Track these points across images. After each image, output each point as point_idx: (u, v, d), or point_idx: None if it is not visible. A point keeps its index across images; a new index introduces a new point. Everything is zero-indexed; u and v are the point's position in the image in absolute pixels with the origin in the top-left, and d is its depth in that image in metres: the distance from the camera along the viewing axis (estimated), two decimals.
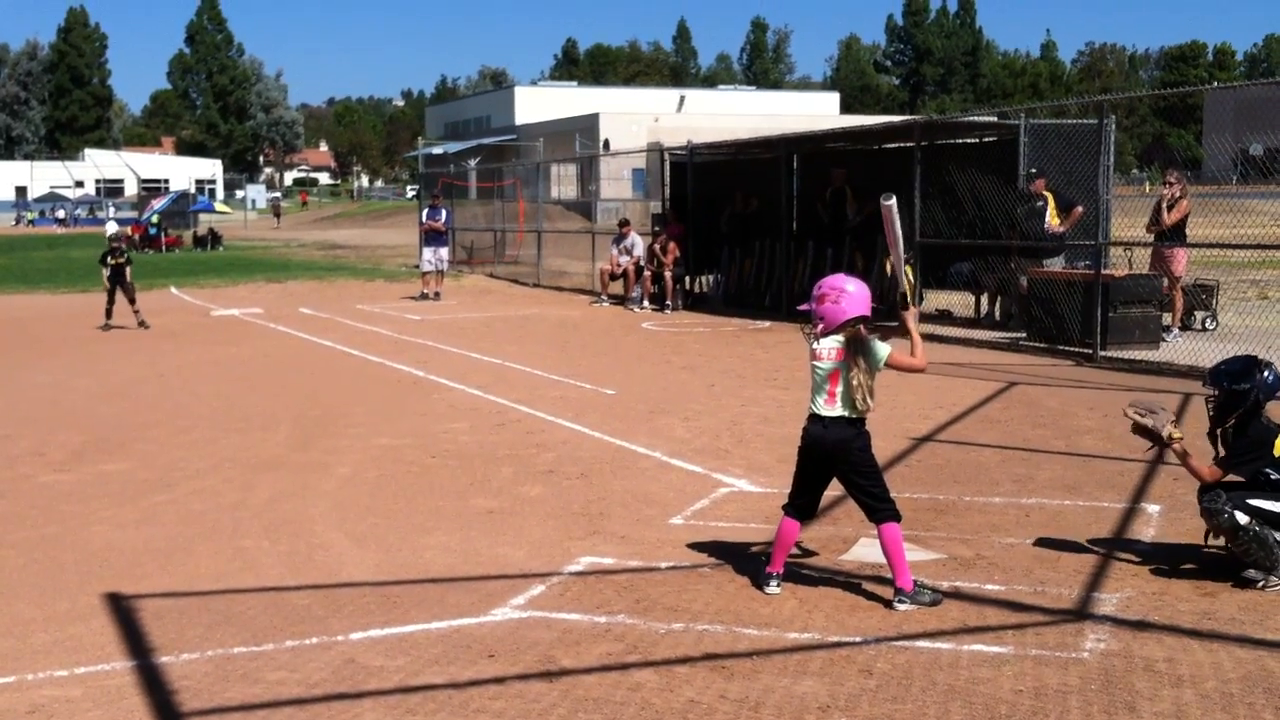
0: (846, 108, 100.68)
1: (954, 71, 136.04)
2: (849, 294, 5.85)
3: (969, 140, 19.32)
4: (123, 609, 5.90)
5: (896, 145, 20.16)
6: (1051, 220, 16.26)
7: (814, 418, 5.92)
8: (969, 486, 8.12)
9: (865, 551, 6.55)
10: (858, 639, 5.31)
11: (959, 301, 18.67)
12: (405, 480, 8.67)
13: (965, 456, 9.16)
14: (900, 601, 5.66)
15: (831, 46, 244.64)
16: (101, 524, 7.58)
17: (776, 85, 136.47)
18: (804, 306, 6.08)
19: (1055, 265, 16.06)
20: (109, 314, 19.16)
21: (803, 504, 6.06)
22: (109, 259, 19.20)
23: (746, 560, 6.50)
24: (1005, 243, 16.32)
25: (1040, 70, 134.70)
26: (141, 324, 19.07)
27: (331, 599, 6.04)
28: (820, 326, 5.90)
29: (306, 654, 5.24)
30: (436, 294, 24.39)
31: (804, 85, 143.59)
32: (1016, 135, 17.15)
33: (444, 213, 25.51)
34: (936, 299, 18.79)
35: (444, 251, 25.15)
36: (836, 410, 5.85)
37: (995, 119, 20.63)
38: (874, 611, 5.66)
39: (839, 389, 5.84)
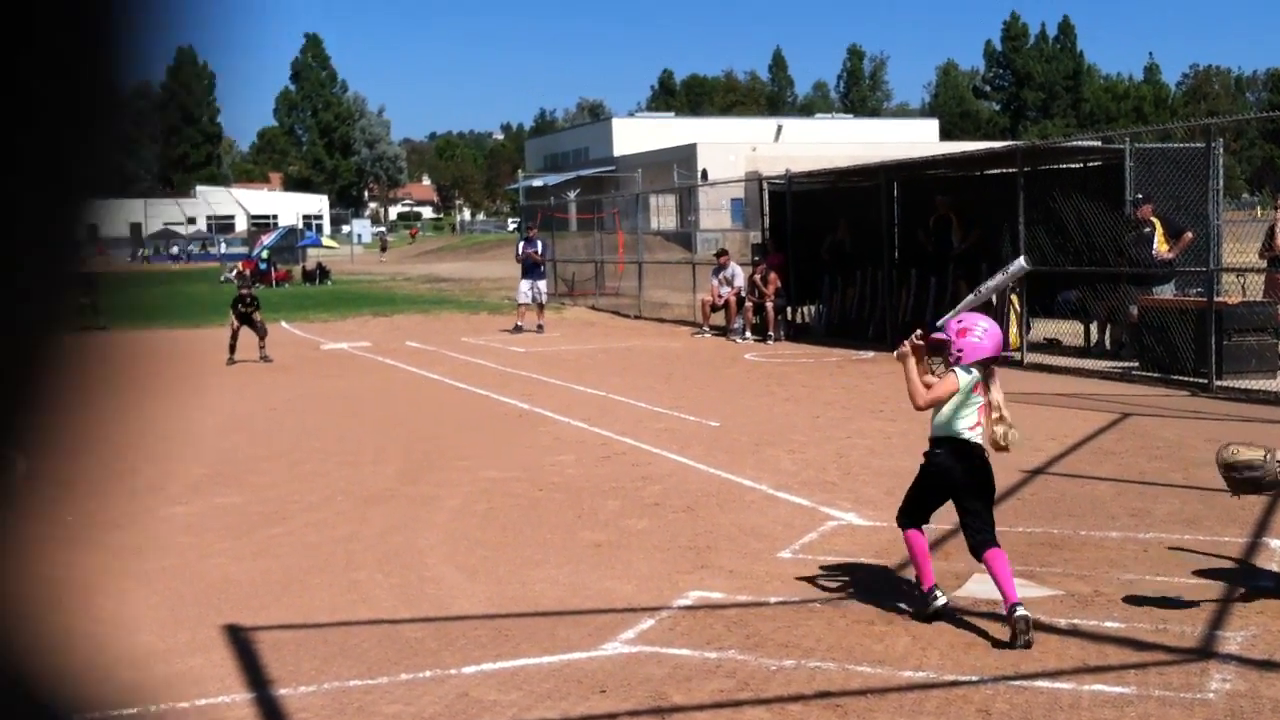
0: (946, 134, 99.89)
1: (1055, 96, 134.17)
2: (992, 332, 6.14)
3: (1073, 165, 19.05)
4: (241, 641, 6.02)
5: (999, 171, 19.95)
6: (1160, 247, 15.96)
7: (958, 445, 6.05)
8: (1084, 520, 7.97)
9: (979, 588, 6.46)
10: (974, 678, 5.23)
11: (1067, 330, 18.37)
12: (513, 513, 8.73)
13: (1080, 490, 9.00)
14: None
15: (929, 73, 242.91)
16: (219, 556, 7.74)
17: (874, 113, 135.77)
18: (939, 336, 6.20)
19: (1165, 293, 15.74)
20: (232, 350, 19.59)
21: (920, 519, 6.26)
22: (240, 306, 19.63)
23: (858, 595, 6.44)
24: (1113, 270, 16.05)
25: (1144, 94, 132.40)
26: (264, 358, 19.53)
27: (443, 632, 6.10)
28: (957, 359, 6.10)
29: (420, 687, 5.29)
30: (539, 326, 24.42)
31: (902, 112, 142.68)
32: (1122, 160, 16.87)
33: (539, 244, 25.59)
34: (1044, 328, 18.51)
35: (541, 284, 25.19)
36: (978, 438, 6.04)
37: (1100, 143, 20.32)
38: (990, 650, 5.58)
39: (982, 419, 6.03)
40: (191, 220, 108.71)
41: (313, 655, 5.76)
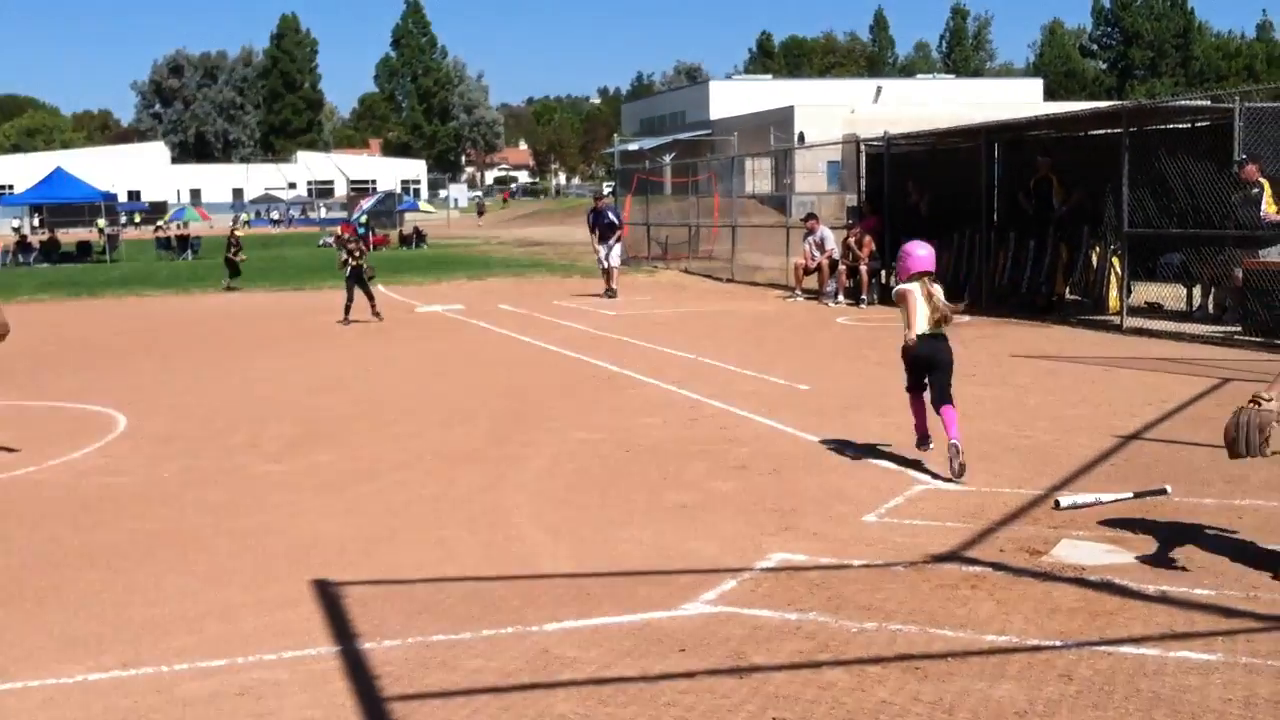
0: (1050, 94, 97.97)
1: (1164, 54, 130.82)
2: (925, 254, 8.84)
3: (1180, 125, 18.54)
4: (329, 595, 6.12)
5: (1103, 132, 19.50)
6: (1268, 208, 15.51)
7: (921, 337, 8.70)
8: (1179, 486, 7.80)
9: (1066, 552, 6.37)
10: (1058, 643, 5.16)
11: (1170, 294, 17.97)
12: (600, 474, 8.77)
13: (1175, 455, 8.82)
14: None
15: (1034, 32, 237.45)
16: (310, 513, 7.88)
17: (977, 73, 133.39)
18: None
19: (1272, 255, 15.30)
20: (348, 310, 20.09)
21: (920, 388, 8.87)
22: (348, 260, 20.07)
23: (942, 559, 6.38)
24: (1219, 232, 15.64)
25: (1256, 51, 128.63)
26: (376, 314, 20.16)
27: (527, 589, 6.15)
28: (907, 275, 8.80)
29: (503, 643, 5.34)
30: (606, 291, 24.38)
31: (1006, 72, 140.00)
32: (1231, 120, 16.39)
33: (609, 213, 25.30)
34: (1146, 291, 18.12)
35: (611, 250, 24.97)
36: (932, 327, 8.75)
37: (1208, 103, 19.77)
38: (1075, 615, 5.49)
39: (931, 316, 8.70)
40: (292, 185, 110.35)
41: (398, 611, 5.84)
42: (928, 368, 8.74)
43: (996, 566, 6.19)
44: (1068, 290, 19.17)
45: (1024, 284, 19.48)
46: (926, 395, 8.77)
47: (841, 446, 9.45)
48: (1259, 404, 5.83)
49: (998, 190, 20.87)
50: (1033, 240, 19.23)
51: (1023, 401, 11.27)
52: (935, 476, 8.35)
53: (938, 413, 8.48)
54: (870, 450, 9.28)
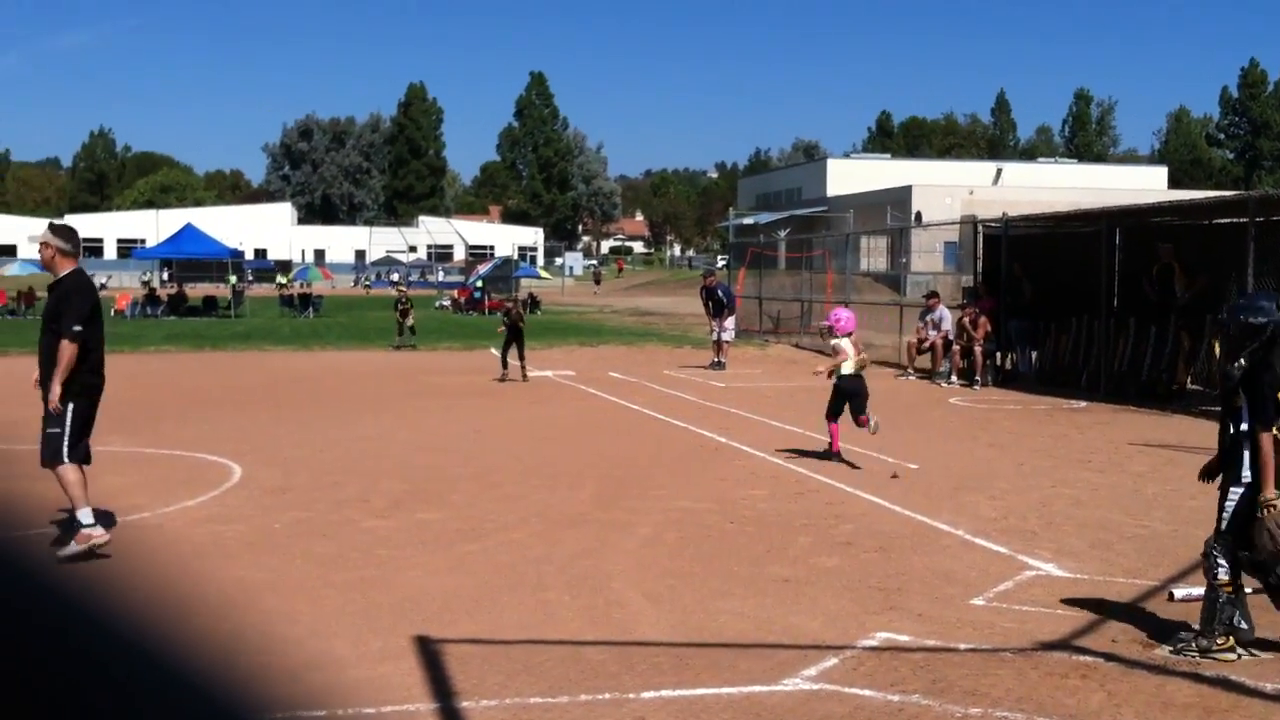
0: (1175, 182, 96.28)
1: None
2: (850, 316, 12.89)
3: None
4: (430, 652, 6.15)
5: (1228, 221, 19.11)
6: None
7: (844, 377, 12.39)
8: None
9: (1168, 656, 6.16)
10: None
11: None
12: (703, 544, 8.73)
13: None
14: None
15: (1159, 119, 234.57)
16: (415, 569, 7.94)
17: (1100, 158, 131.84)
18: (827, 323, 13.13)
19: None
20: (504, 364, 21.25)
21: (837, 414, 12.41)
22: (505, 319, 21.64)
23: (1052, 647, 6.22)
24: None
25: None
26: (524, 377, 21.00)
27: (626, 656, 6.12)
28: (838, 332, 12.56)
29: (599, 709, 5.31)
30: (712, 363, 24.61)
31: (1129, 159, 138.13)
32: None
33: (719, 290, 25.45)
34: None
35: (728, 322, 25.11)
36: (855, 369, 12.44)
37: None
38: (1189, 711, 5.30)
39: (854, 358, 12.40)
40: (413, 248, 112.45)
41: (497, 670, 5.85)
42: (850, 397, 12.41)
43: (1108, 657, 6.01)
44: (1189, 379, 18.73)
45: (1144, 372, 19.09)
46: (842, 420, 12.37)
47: (950, 527, 9.29)
48: (1274, 506, 5.86)
49: (1118, 276, 20.53)
50: (1154, 328, 18.85)
51: (1140, 490, 11.00)
52: (1047, 562, 8.16)
53: (856, 423, 12.39)
54: (980, 532, 9.10)
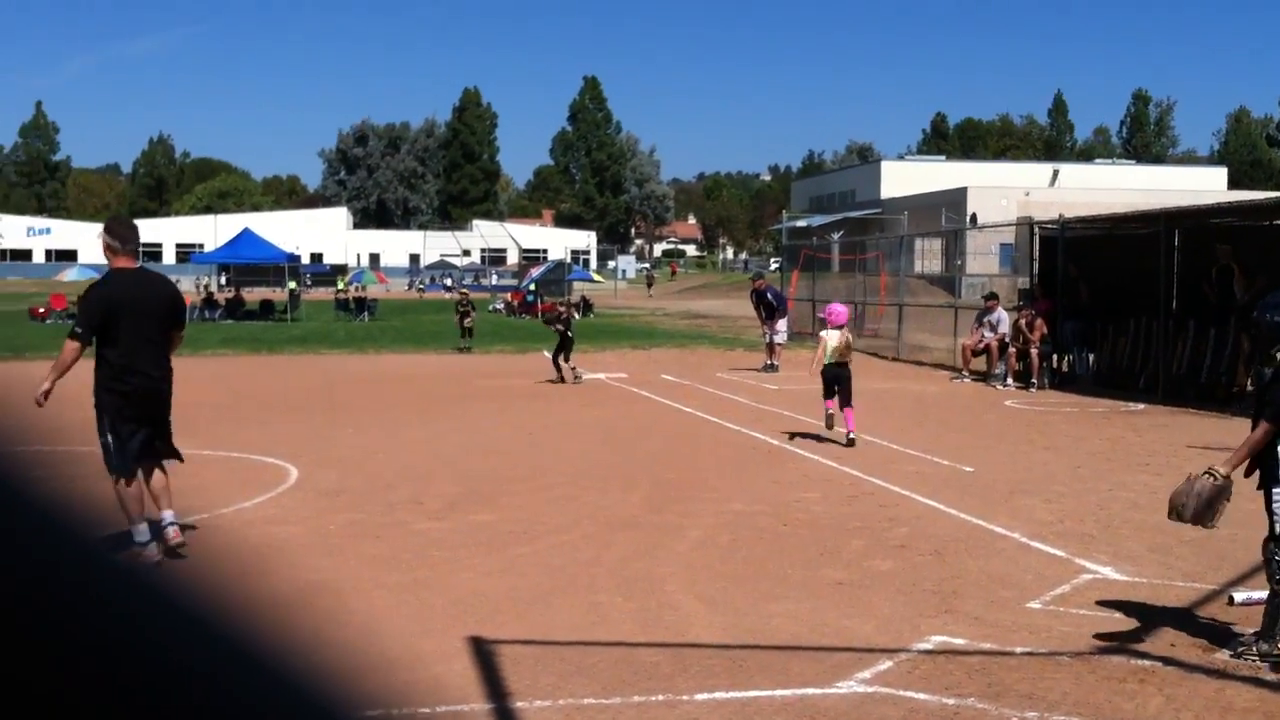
0: (1234, 183, 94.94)
1: None
2: (839, 310, 14.60)
3: None
4: (483, 653, 6.17)
5: None
6: None
7: (835, 364, 13.81)
8: None
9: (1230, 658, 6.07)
10: None
11: None
12: (756, 546, 8.70)
13: None
14: None
15: (1219, 120, 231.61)
16: (468, 571, 7.97)
17: (1158, 159, 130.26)
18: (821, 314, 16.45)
19: None
20: (558, 369, 21.67)
21: (830, 394, 13.82)
22: (558, 326, 22.10)
23: (1109, 651, 6.15)
24: None
25: None
26: (576, 378, 21.44)
27: (678, 658, 6.11)
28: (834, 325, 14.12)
29: (652, 710, 5.31)
30: (764, 365, 24.72)
31: (1188, 159, 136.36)
32: None
33: (768, 292, 25.46)
34: None
35: (780, 324, 25.15)
36: (840, 357, 13.82)
37: None
38: (1249, 716, 5.23)
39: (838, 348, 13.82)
40: (466, 252, 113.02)
41: (550, 671, 5.86)
42: (835, 382, 13.79)
43: (1167, 661, 5.94)
44: (1249, 382, 18.46)
45: (1203, 374, 18.84)
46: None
47: (1006, 531, 9.21)
48: (1214, 477, 5.83)
49: (1177, 278, 20.28)
50: (1213, 329, 18.61)
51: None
52: (1105, 565, 8.07)
53: (841, 410, 13.79)
54: (1036, 535, 9.02)
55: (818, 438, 14.10)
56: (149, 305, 8.04)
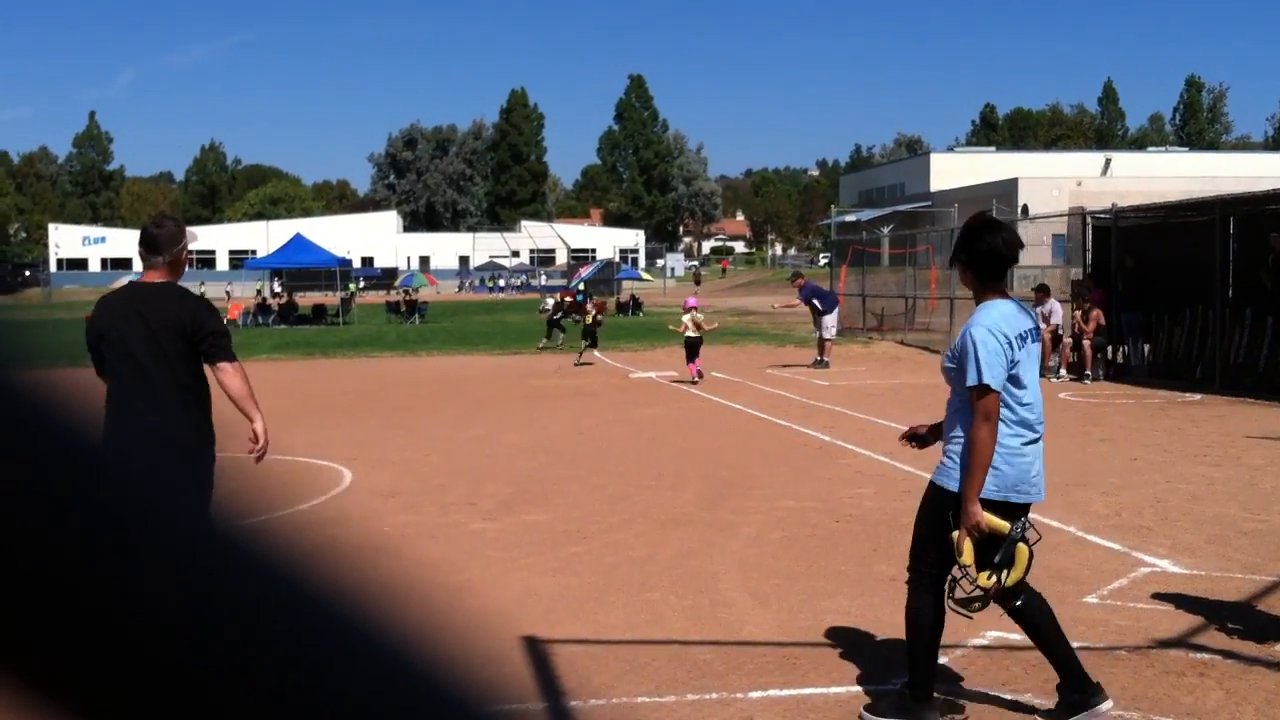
0: None
1: None
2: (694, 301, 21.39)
3: None
4: (537, 652, 6.20)
5: None
6: None
7: (687, 338, 21.00)
8: None
9: None
10: None
11: None
12: (809, 543, 8.68)
13: None
14: None
15: (1273, 105, 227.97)
16: (521, 571, 8.01)
17: (1212, 146, 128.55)
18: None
19: None
20: (581, 354, 24.95)
21: (692, 360, 20.25)
22: (584, 319, 25.37)
23: (1168, 645, 6.08)
24: None
25: None
26: (585, 362, 24.62)
27: (732, 656, 6.11)
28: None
29: (707, 709, 5.31)
30: (814, 361, 24.70)
31: (1243, 145, 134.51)
32: None
33: (808, 290, 25.31)
34: None
35: (825, 320, 24.93)
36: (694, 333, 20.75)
37: None
38: None
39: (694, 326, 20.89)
40: (515, 253, 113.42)
41: (604, 670, 5.88)
42: (690, 349, 20.50)
43: (1226, 654, 5.87)
44: None
45: (1261, 363, 18.59)
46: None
47: (1062, 525, 9.13)
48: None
49: (1233, 266, 20.01)
50: (1270, 318, 18.35)
51: (1257, 484, 10.71)
52: (1163, 558, 7.99)
53: (689, 364, 20.54)
54: (1092, 529, 8.94)
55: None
56: (144, 326, 5.88)
